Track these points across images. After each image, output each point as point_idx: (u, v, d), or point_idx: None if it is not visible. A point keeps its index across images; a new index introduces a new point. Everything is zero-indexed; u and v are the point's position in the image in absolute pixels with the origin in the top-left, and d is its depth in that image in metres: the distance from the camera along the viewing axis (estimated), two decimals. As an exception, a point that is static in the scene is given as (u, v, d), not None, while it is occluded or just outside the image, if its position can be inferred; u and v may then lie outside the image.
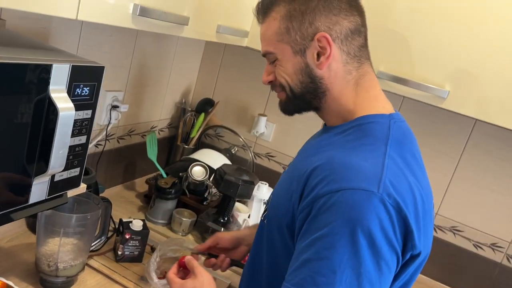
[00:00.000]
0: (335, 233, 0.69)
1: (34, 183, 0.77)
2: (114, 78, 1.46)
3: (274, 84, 0.90)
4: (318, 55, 0.82)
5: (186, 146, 1.81)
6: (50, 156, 0.74)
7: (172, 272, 0.98)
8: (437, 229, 1.62)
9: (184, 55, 1.78)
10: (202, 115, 1.80)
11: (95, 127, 1.46)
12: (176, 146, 1.84)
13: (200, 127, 1.81)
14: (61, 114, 0.72)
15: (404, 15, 1.25)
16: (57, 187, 0.83)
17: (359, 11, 0.85)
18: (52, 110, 0.73)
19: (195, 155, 1.69)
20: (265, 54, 0.89)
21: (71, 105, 0.75)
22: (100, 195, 1.47)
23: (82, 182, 1.23)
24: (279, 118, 1.78)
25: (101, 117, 1.45)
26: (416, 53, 1.26)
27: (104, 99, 1.44)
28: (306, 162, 0.81)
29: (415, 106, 1.56)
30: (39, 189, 0.79)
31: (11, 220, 0.79)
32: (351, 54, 0.83)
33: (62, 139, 0.75)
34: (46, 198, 0.82)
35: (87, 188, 1.27)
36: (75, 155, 0.84)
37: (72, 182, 0.87)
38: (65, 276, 1.04)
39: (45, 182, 0.80)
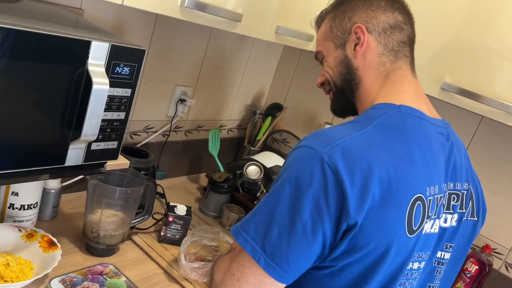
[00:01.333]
0: (276, 179, 0.78)
1: (70, 147, 0.86)
2: (184, 74, 1.56)
3: (324, 84, 0.97)
4: (356, 46, 0.88)
5: (252, 148, 1.85)
6: (83, 123, 0.82)
7: None
8: (509, 269, 1.43)
9: (259, 59, 1.83)
10: (269, 118, 1.83)
11: (162, 117, 1.57)
12: (242, 147, 1.89)
13: (266, 131, 1.84)
14: (94, 86, 0.80)
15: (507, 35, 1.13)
16: (93, 155, 0.92)
17: (402, 11, 0.90)
18: (88, 82, 0.81)
19: (256, 157, 1.72)
20: (316, 55, 0.97)
21: (106, 80, 0.83)
22: (160, 181, 1.57)
23: (138, 163, 1.33)
24: (346, 129, 1.74)
25: (169, 108, 1.56)
26: (496, 69, 1.15)
27: (173, 93, 1.54)
28: None
29: (494, 127, 1.42)
30: (75, 153, 0.88)
31: (48, 177, 0.89)
32: (388, 47, 0.88)
33: (95, 110, 0.83)
34: (82, 164, 0.91)
35: (143, 170, 1.37)
36: (113, 129, 0.92)
37: (110, 154, 0.95)
38: (105, 244, 1.13)
39: (81, 148, 0.88)
